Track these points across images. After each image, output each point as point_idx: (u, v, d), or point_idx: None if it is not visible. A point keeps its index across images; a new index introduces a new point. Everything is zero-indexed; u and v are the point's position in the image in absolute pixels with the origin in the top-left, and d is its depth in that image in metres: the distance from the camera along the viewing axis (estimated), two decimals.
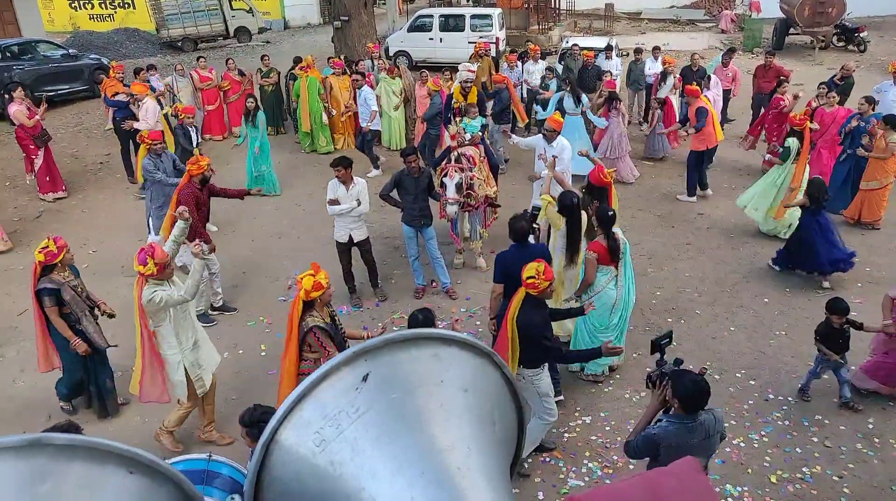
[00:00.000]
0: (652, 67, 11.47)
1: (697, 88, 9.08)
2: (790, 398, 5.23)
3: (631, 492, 0.84)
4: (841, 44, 18.73)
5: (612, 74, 10.78)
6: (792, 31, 18.53)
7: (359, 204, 6.27)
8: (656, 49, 11.87)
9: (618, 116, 9.45)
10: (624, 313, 5.40)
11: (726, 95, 11.26)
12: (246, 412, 3.49)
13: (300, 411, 1.13)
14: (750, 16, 20.55)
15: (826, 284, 6.79)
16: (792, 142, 7.49)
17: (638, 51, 12.03)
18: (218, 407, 5.23)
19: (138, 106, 9.32)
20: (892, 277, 6.87)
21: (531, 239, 5.29)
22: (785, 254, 7.01)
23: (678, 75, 10.62)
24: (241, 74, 12.00)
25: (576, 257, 5.53)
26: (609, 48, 12.17)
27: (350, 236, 6.46)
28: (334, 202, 6.25)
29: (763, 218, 7.90)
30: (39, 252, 4.79)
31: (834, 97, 8.48)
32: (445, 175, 6.64)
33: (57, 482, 0.94)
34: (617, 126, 9.45)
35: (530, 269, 4.13)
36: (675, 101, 10.63)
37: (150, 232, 7.69)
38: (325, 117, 10.95)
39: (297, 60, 11.48)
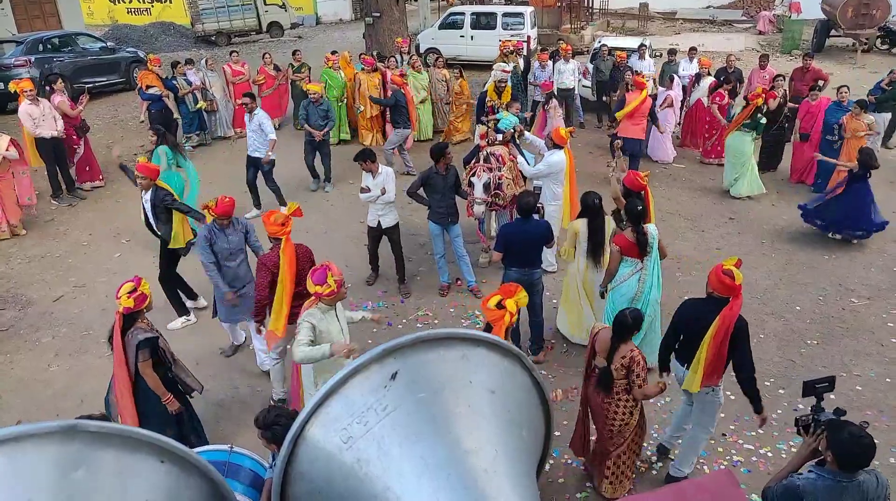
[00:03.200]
0: (686, 69, 11.27)
1: (644, 81, 9.44)
2: None
3: (660, 499, 0.82)
4: (885, 47, 18.18)
5: (643, 75, 10.66)
6: (833, 32, 18.04)
7: (383, 192, 6.46)
8: (692, 50, 11.66)
9: (555, 117, 9.47)
10: (644, 309, 5.19)
11: None
12: (260, 414, 3.42)
13: (328, 407, 1.13)
14: (789, 17, 20.07)
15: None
16: (761, 117, 8.60)
17: (672, 51, 11.83)
18: (249, 402, 5.29)
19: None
20: None
21: (535, 216, 5.61)
22: (831, 220, 7.65)
23: (713, 78, 10.44)
24: (277, 69, 12.13)
25: (600, 259, 5.61)
26: (642, 47, 12.00)
27: (379, 221, 6.71)
28: (365, 190, 6.54)
29: (747, 187, 9.02)
30: (128, 297, 4.15)
31: (816, 94, 9.21)
32: (473, 174, 6.63)
33: (91, 468, 0.96)
34: (551, 124, 9.42)
35: (739, 275, 3.98)
36: (707, 103, 10.41)
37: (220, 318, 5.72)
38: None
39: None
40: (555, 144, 6.73)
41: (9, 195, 8.28)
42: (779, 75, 9.77)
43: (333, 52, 11.66)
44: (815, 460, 3.01)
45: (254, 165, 8.49)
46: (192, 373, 4.64)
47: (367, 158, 6.42)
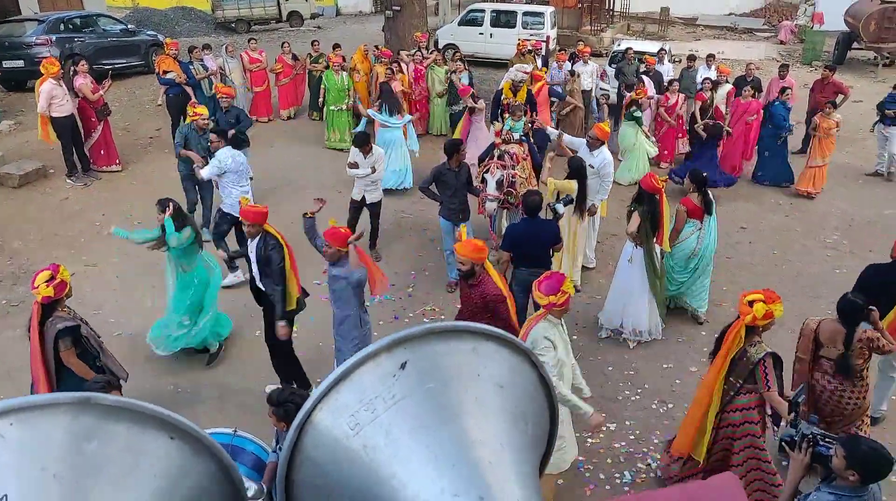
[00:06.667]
0: (705, 75, 11.20)
1: (543, 75, 10.11)
2: None
3: (666, 498, 0.82)
4: None
5: (643, 82, 10.55)
6: (855, 45, 17.86)
7: (373, 171, 6.94)
8: (710, 57, 11.58)
9: (480, 121, 9.28)
10: (701, 261, 6.21)
11: None
12: (274, 392, 3.52)
13: (337, 393, 1.14)
14: (811, 27, 19.87)
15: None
16: (637, 112, 9.41)
17: (691, 58, 11.77)
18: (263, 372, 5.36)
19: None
20: None
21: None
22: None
23: (732, 85, 10.38)
24: (295, 58, 12.15)
25: (584, 213, 6.48)
26: (662, 51, 11.93)
27: (364, 196, 7.14)
28: (353, 166, 6.95)
29: (630, 175, 9.54)
30: (47, 285, 3.99)
31: (748, 92, 9.75)
32: (487, 171, 6.63)
33: (103, 441, 0.97)
34: (479, 130, 9.25)
35: None
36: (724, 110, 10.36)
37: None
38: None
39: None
40: (600, 141, 6.72)
41: None
42: (706, 78, 10.33)
43: (336, 47, 11.21)
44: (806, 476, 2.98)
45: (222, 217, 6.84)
46: (119, 361, 4.51)
47: (363, 143, 6.92)
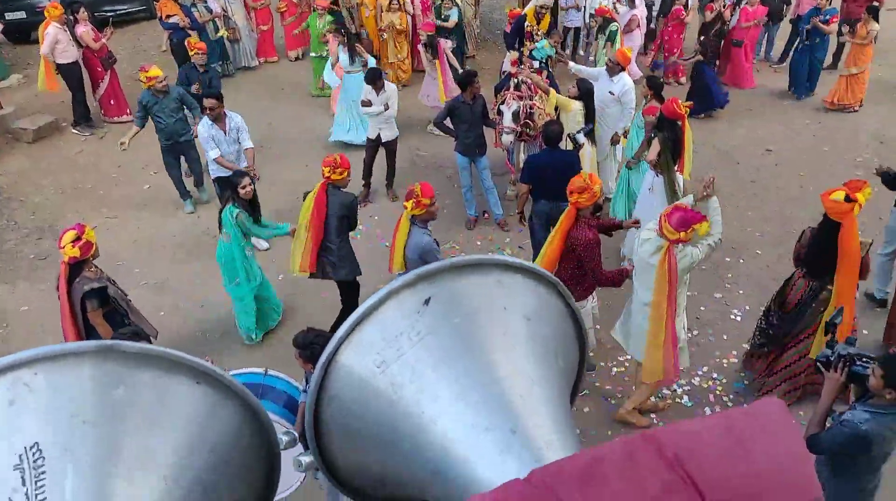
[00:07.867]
0: None
1: None
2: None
3: (707, 429, 0.79)
4: None
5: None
6: None
7: (386, 108, 6.77)
8: None
9: (433, 61, 8.22)
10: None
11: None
12: (299, 334, 3.57)
13: (360, 332, 1.12)
14: None
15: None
16: (613, 25, 8.90)
17: None
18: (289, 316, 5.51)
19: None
20: None
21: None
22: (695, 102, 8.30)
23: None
24: None
25: (591, 138, 6.38)
26: None
27: (379, 134, 6.97)
28: (366, 104, 6.77)
29: None
30: (73, 246, 3.96)
31: (754, 1, 9.62)
32: (503, 103, 6.45)
33: (129, 387, 0.97)
34: (433, 71, 8.28)
35: None
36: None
37: None
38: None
39: None
40: (620, 67, 6.45)
41: None
42: None
43: None
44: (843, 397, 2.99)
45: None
46: (147, 319, 4.56)
47: (374, 79, 6.72)
